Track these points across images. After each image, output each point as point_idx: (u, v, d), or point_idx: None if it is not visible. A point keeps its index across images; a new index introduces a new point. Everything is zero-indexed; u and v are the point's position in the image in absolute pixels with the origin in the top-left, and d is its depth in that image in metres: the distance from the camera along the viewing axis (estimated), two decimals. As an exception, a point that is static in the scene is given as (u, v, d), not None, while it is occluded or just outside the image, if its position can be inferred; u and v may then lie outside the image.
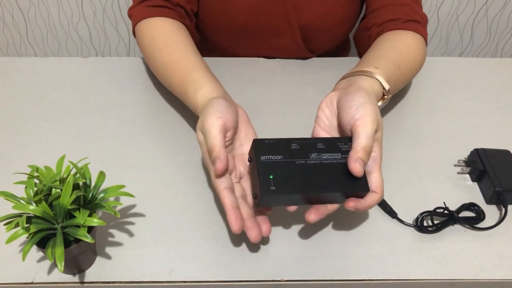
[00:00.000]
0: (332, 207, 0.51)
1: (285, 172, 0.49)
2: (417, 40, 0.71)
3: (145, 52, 0.71)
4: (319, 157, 0.50)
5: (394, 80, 0.63)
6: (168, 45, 0.68)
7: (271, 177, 0.48)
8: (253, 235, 0.50)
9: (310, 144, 0.51)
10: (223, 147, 0.51)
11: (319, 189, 0.49)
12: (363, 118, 0.50)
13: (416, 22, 0.72)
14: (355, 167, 0.48)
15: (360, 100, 0.52)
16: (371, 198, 0.50)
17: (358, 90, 0.54)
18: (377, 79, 0.58)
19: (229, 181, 0.52)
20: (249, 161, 0.52)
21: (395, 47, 0.68)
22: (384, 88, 0.59)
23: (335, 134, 0.56)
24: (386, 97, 0.60)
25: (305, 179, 0.49)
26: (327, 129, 0.56)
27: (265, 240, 0.55)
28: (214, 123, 0.51)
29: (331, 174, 0.49)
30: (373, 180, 0.50)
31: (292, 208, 0.51)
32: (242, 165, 0.56)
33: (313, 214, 0.50)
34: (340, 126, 0.54)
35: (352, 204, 0.49)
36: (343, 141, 0.52)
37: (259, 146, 0.50)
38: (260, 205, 0.51)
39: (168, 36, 0.69)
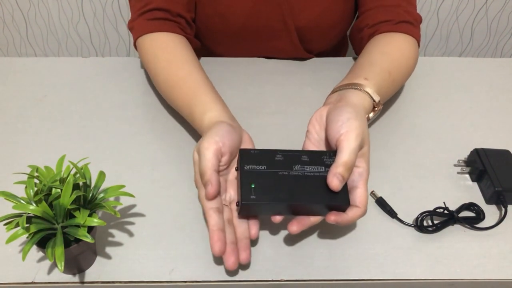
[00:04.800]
0: (314, 219, 0.51)
1: (267, 182, 0.50)
2: (409, 42, 0.70)
3: (148, 69, 0.70)
4: (302, 169, 0.51)
5: (385, 88, 0.63)
6: (171, 62, 0.67)
7: (252, 186, 0.49)
8: (230, 262, 0.50)
9: (295, 156, 0.52)
10: (215, 171, 0.50)
11: (299, 200, 0.49)
12: (347, 133, 0.50)
13: (408, 23, 0.71)
14: (332, 182, 0.48)
15: (346, 116, 0.52)
16: (353, 212, 0.50)
17: (346, 106, 0.54)
18: (367, 92, 0.58)
19: (217, 201, 0.51)
20: (236, 170, 0.53)
21: (386, 53, 0.68)
22: (374, 100, 0.59)
23: (324, 148, 0.56)
24: (377, 108, 0.60)
25: (286, 190, 0.49)
26: (316, 144, 0.56)
27: (265, 241, 0.55)
28: (210, 146, 0.51)
29: (312, 186, 0.50)
30: (358, 195, 0.50)
31: (277, 219, 0.51)
32: (233, 190, 0.55)
33: (295, 226, 0.50)
34: (327, 141, 0.54)
35: (333, 217, 0.49)
36: (328, 154, 0.52)
37: (244, 156, 0.51)
38: (241, 213, 0.51)
39: (170, 53, 0.68)
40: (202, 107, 0.59)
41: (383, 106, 0.61)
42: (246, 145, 0.56)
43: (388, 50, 0.68)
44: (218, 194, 0.51)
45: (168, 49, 0.68)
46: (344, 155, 0.49)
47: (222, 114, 0.58)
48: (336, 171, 0.48)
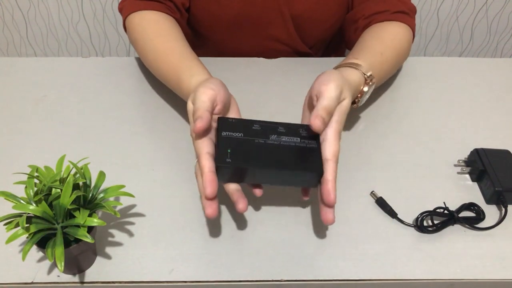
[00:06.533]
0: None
1: (243, 148, 0.51)
2: (403, 28, 0.72)
3: (136, 43, 0.71)
4: (278, 139, 0.52)
5: (378, 66, 0.65)
6: (159, 35, 0.69)
7: (228, 150, 0.50)
8: (240, 206, 0.50)
9: (272, 127, 0.53)
10: (209, 111, 0.51)
11: (274, 166, 0.50)
12: (327, 83, 0.53)
13: (404, 13, 0.73)
14: (315, 122, 0.50)
15: (327, 73, 0.55)
16: (330, 168, 0.50)
17: (330, 70, 0.56)
18: (357, 69, 0.61)
19: (212, 147, 0.51)
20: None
21: (378, 37, 0.70)
22: (364, 74, 0.61)
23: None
24: (369, 82, 0.62)
25: (261, 156, 0.50)
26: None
27: (265, 240, 0.55)
28: (206, 91, 0.52)
29: (287, 154, 0.51)
30: (327, 146, 0.51)
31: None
32: None
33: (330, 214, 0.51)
34: (309, 105, 0.57)
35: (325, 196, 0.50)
36: (305, 127, 0.54)
37: (222, 123, 0.53)
38: (219, 178, 0.50)
39: (159, 27, 0.70)
40: (190, 71, 0.61)
41: (376, 86, 0.64)
42: (233, 108, 0.57)
43: (381, 34, 0.71)
44: (207, 130, 0.51)
45: (157, 24, 0.70)
46: (324, 100, 0.52)
47: (209, 77, 0.59)
48: (318, 113, 0.51)
